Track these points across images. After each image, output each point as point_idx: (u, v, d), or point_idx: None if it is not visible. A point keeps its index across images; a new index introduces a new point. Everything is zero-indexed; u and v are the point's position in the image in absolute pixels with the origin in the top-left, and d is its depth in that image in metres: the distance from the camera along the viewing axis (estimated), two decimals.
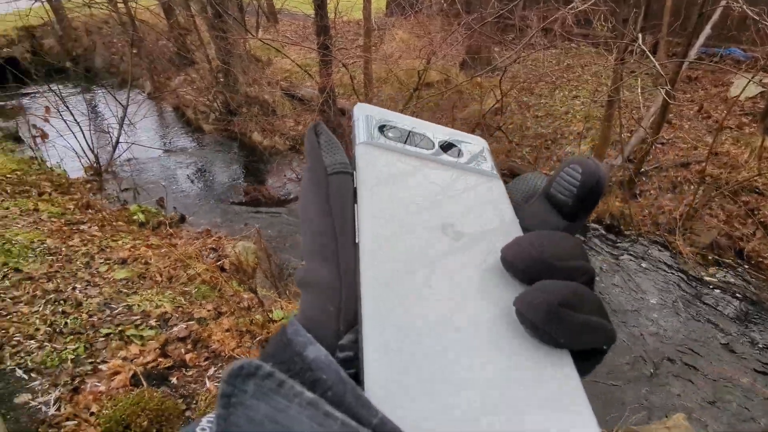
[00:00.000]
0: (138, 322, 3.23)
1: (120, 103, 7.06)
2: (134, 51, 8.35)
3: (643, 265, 5.27)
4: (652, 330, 4.43)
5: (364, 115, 0.33)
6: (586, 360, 0.24)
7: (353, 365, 0.23)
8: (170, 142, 8.52)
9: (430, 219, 0.28)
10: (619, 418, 3.38)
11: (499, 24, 8.02)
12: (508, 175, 6.62)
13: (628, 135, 6.61)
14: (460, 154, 0.33)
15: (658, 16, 7.85)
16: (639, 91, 7.22)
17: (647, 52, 4.57)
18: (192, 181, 7.24)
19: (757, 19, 4.18)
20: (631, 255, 5.43)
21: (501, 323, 0.23)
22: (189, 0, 8.84)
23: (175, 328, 3.24)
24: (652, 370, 4.03)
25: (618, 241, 5.67)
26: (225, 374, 0.20)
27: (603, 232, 5.82)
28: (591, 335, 0.23)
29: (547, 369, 0.22)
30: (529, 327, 0.23)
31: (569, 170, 0.28)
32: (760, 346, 4.26)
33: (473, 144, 0.35)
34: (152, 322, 3.24)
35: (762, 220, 5.35)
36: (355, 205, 0.28)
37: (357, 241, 0.26)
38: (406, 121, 0.34)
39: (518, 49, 5.09)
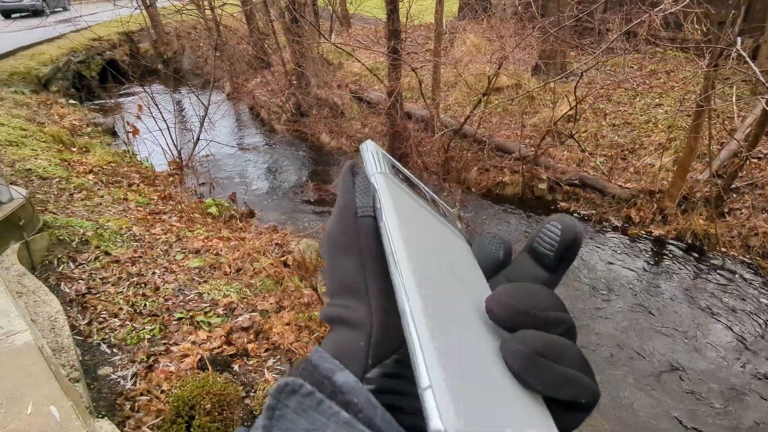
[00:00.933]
0: (207, 309, 3.43)
1: (202, 103, 7.55)
2: (217, 54, 8.89)
3: (730, 291, 4.81)
4: (742, 367, 4.02)
5: (376, 151, 0.33)
6: (567, 411, 0.25)
7: (379, 398, 0.24)
8: (244, 141, 8.98)
9: (440, 259, 0.29)
10: None
11: (576, 27, 7.68)
12: (580, 185, 6.31)
13: (718, 147, 6.08)
14: (444, 211, 0.37)
15: (760, 18, 7.16)
16: (733, 99, 6.62)
17: (746, 57, 4.17)
18: (262, 178, 7.58)
19: None
20: (715, 279, 4.98)
21: (498, 365, 0.24)
22: (269, 6, 9.28)
23: (239, 318, 3.41)
24: (741, 414, 3.66)
25: (701, 262, 5.22)
26: (272, 389, 0.22)
27: (683, 252, 5.38)
28: (568, 387, 0.24)
29: (525, 414, 0.23)
30: (510, 373, 0.24)
31: (550, 227, 0.31)
32: None
33: (449, 206, 0.38)
34: (219, 311, 3.43)
35: None
36: (387, 234, 0.28)
37: (397, 268, 0.26)
38: (402, 169, 0.36)
39: (597, 53, 4.83)
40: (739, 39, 4.41)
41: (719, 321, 4.46)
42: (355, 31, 12.05)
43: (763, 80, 3.92)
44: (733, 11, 5.37)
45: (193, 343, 3.07)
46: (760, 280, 4.89)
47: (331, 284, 0.29)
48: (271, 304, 3.67)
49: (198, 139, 7.38)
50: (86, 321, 3.09)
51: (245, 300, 3.64)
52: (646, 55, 8.04)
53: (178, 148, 7.12)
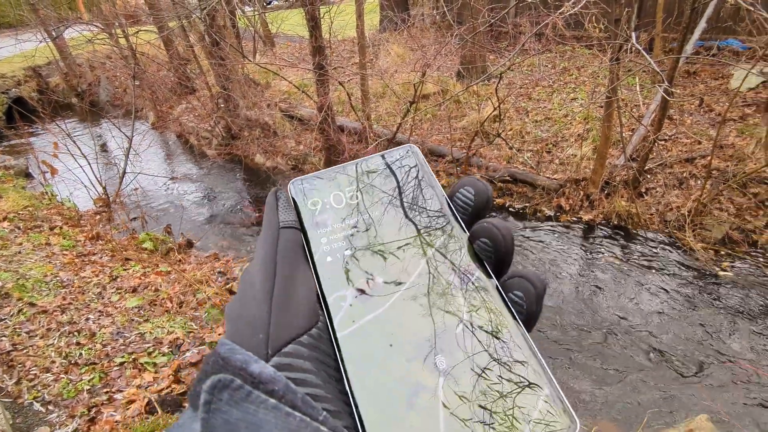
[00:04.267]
0: (150, 349, 3.26)
1: (125, 135, 7.20)
2: (136, 83, 8.53)
3: (655, 264, 5.22)
4: (668, 329, 4.37)
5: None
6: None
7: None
8: (175, 170, 8.64)
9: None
10: (639, 421, 3.32)
11: (492, 32, 8.09)
12: (512, 181, 6.62)
13: (630, 134, 6.60)
14: None
15: (651, 13, 7.89)
16: (638, 89, 7.23)
17: (641, 51, 4.58)
18: (198, 207, 7.32)
19: (751, 9, 4.17)
20: (641, 254, 5.38)
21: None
22: (187, 31, 9.04)
23: (187, 354, 3.27)
24: (670, 370, 3.96)
25: (627, 241, 5.63)
26: (206, 386, 0.25)
27: (611, 232, 5.78)
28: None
29: None
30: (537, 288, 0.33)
31: (464, 191, 0.35)
32: None
33: None
34: (164, 349, 3.27)
35: None
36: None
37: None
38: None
39: (511, 55, 5.13)
40: (633, 34, 4.83)
41: (647, 290, 4.82)
42: (280, 49, 12.00)
43: (658, 70, 4.32)
44: (626, 9, 5.89)
45: (139, 386, 2.91)
46: (677, 251, 5.34)
47: (242, 285, 0.32)
48: (219, 334, 3.55)
49: (124, 172, 7.01)
50: (14, 380, 2.84)
51: (191, 334, 3.50)
52: (557, 54, 8.60)
53: (103, 184, 6.73)
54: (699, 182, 5.77)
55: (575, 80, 8.17)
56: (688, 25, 5.26)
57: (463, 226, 0.36)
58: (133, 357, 3.16)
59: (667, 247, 5.44)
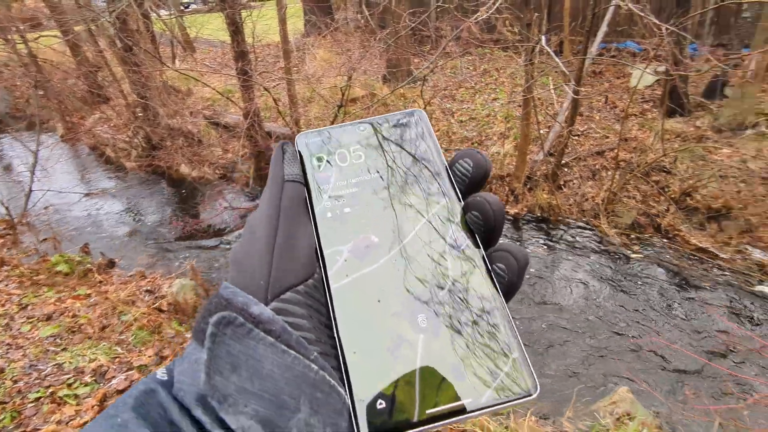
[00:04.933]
0: (71, 380, 3.02)
1: (29, 149, 6.59)
2: (40, 93, 7.84)
3: (575, 250, 5.61)
4: (587, 311, 4.71)
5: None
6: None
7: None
8: (90, 185, 8.04)
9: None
10: (567, 400, 3.55)
11: (415, 36, 8.29)
12: None
13: (546, 130, 7.03)
14: None
15: (559, 18, 8.46)
16: (551, 88, 7.72)
17: (551, 52, 4.91)
18: (119, 223, 6.86)
19: (642, 15, 4.60)
20: (562, 242, 5.76)
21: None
22: (96, 35, 8.44)
23: (114, 381, 3.05)
24: (592, 348, 4.27)
25: (550, 230, 6.00)
26: (213, 320, 0.28)
27: (535, 224, 6.13)
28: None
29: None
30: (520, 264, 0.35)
31: (462, 163, 0.37)
32: (684, 311, 4.65)
33: None
34: (87, 379, 3.04)
35: (672, 196, 5.85)
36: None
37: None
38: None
39: (434, 58, 5.31)
40: (543, 37, 5.17)
41: (568, 276, 5.18)
42: (201, 55, 11.54)
43: (566, 70, 4.66)
44: (536, 14, 6.28)
45: (59, 422, 2.68)
46: (594, 237, 5.78)
47: (246, 230, 0.34)
48: (149, 356, 3.35)
49: (30, 190, 6.41)
50: None
51: (117, 359, 3.27)
52: (477, 56, 8.99)
53: (5, 204, 6.11)
54: (609, 173, 6.27)
55: (495, 81, 8.58)
56: (590, 29, 5.70)
57: (459, 196, 0.37)
58: (50, 391, 2.91)
59: (585, 234, 5.86)
